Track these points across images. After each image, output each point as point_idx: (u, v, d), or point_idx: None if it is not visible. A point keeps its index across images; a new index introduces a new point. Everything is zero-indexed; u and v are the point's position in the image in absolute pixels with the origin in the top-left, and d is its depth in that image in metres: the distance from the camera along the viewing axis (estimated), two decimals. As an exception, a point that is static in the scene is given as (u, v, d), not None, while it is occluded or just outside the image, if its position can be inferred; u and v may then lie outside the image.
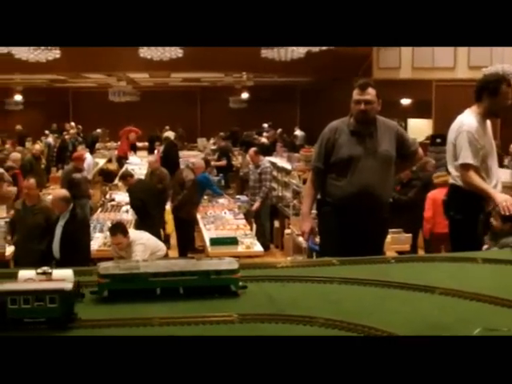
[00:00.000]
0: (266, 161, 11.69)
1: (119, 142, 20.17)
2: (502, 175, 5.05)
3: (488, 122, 4.87)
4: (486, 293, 2.44)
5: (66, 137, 19.52)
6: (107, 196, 12.34)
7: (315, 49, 17.10)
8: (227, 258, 2.53)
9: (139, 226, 9.05)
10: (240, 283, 2.49)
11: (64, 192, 7.49)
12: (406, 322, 2.22)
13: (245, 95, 25.25)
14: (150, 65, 18.49)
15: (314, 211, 5.07)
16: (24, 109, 25.69)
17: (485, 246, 4.26)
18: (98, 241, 8.48)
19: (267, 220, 11.42)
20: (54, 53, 17.17)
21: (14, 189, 9.89)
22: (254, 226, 10.39)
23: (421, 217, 8.50)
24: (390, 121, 4.80)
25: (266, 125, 22.95)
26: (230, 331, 2.13)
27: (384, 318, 2.22)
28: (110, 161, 18.89)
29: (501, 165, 7.17)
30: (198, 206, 10.63)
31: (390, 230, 6.92)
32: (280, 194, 12.41)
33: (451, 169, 4.83)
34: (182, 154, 16.97)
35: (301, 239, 8.13)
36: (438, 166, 9.52)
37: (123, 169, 14.78)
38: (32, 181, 7.70)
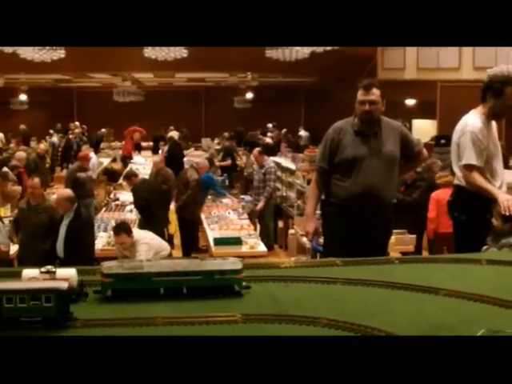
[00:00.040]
0: (270, 161, 11.69)
1: (124, 142, 20.18)
2: (507, 176, 5.03)
3: (493, 123, 4.85)
4: (490, 294, 2.43)
5: (71, 136, 19.55)
6: (111, 195, 12.38)
7: (320, 49, 17.11)
8: (231, 258, 2.53)
9: (143, 225, 9.06)
10: (244, 283, 2.49)
11: (68, 192, 7.50)
12: (410, 323, 2.21)
13: (249, 95, 25.27)
14: (154, 65, 18.53)
15: (318, 211, 5.07)
16: (29, 108, 25.77)
17: (484, 247, 4.25)
18: (102, 240, 8.50)
19: (271, 220, 11.42)
20: (59, 53, 17.22)
21: (18, 188, 9.90)
22: (258, 226, 10.39)
23: (425, 218, 8.49)
24: (394, 121, 4.80)
25: (270, 125, 22.95)
26: (234, 331, 2.13)
27: (387, 319, 2.22)
28: (114, 160, 18.92)
29: (506, 166, 7.15)
30: (202, 205, 10.64)
31: (394, 231, 6.90)
32: (284, 195, 12.41)
33: (456, 170, 4.82)
34: (191, 153, 17.00)
35: (305, 239, 8.13)
36: (443, 166, 9.52)
37: (127, 168, 14.78)
38: (36, 180, 7.71)
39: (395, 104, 13.35)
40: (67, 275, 2.34)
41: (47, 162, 15.75)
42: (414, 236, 8.42)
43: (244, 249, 8.22)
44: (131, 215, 10.14)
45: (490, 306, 2.37)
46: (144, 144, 20.99)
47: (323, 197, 4.78)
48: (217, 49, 15.37)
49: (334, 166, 4.65)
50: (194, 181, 10.58)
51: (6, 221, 8.18)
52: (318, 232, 4.91)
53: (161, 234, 8.71)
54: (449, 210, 4.95)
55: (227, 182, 14.47)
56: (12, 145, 18.83)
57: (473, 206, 4.64)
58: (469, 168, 4.63)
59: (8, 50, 16.20)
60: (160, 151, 17.05)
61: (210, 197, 11.26)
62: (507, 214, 4.20)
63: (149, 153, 19.53)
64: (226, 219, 9.94)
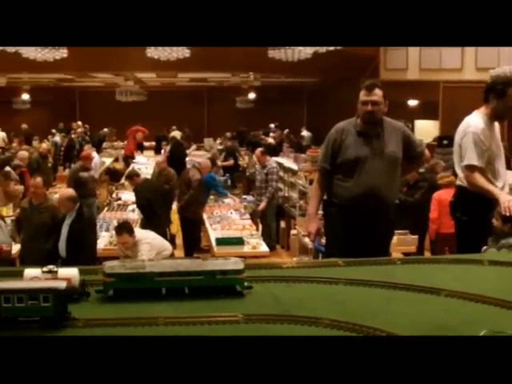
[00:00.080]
0: (272, 161, 11.70)
1: (126, 142, 20.22)
2: (509, 177, 5.03)
3: (496, 124, 4.85)
4: (492, 295, 2.43)
5: (73, 136, 19.59)
6: (113, 195, 12.39)
7: (322, 49, 17.11)
8: (233, 258, 2.53)
9: (145, 225, 9.07)
10: (245, 283, 2.49)
11: (71, 191, 7.51)
12: (412, 323, 2.21)
13: (252, 95, 25.29)
14: (157, 65, 18.55)
15: (321, 212, 5.07)
16: (31, 108, 25.82)
17: (484, 247, 4.24)
18: (104, 240, 8.51)
19: (273, 220, 11.42)
20: (62, 52, 17.25)
21: (20, 187, 9.92)
22: (260, 226, 10.40)
23: (427, 218, 8.48)
24: (396, 122, 4.79)
25: (272, 125, 22.97)
26: (236, 331, 2.13)
27: (389, 320, 2.22)
28: (116, 160, 18.94)
29: (509, 167, 7.14)
30: (204, 205, 10.65)
31: (396, 232, 6.91)
32: (286, 195, 12.41)
33: (458, 170, 4.81)
34: (193, 152, 17.01)
35: (307, 240, 8.13)
36: (446, 167, 9.52)
37: (130, 168, 14.81)
38: (39, 179, 7.72)
39: (397, 104, 13.35)
40: (69, 275, 2.34)
41: (49, 162, 15.77)
42: (416, 236, 8.42)
43: (246, 249, 8.23)
44: (133, 215, 10.15)
45: (491, 307, 2.37)
46: (146, 144, 21.04)
47: (325, 197, 4.78)
48: (219, 49, 15.39)
49: (336, 167, 4.64)
50: (196, 181, 10.59)
51: (8, 220, 8.20)
52: (320, 232, 4.91)
53: (163, 234, 8.71)
54: (451, 210, 4.94)
55: (229, 182, 14.48)
56: (14, 144, 18.88)
57: (475, 206, 4.63)
58: (470, 169, 4.63)
59: (10, 49, 16.22)
60: (162, 151, 17.07)
61: (212, 197, 11.26)
62: (507, 214, 4.20)
63: (151, 153, 19.57)
64: (228, 219, 9.95)
